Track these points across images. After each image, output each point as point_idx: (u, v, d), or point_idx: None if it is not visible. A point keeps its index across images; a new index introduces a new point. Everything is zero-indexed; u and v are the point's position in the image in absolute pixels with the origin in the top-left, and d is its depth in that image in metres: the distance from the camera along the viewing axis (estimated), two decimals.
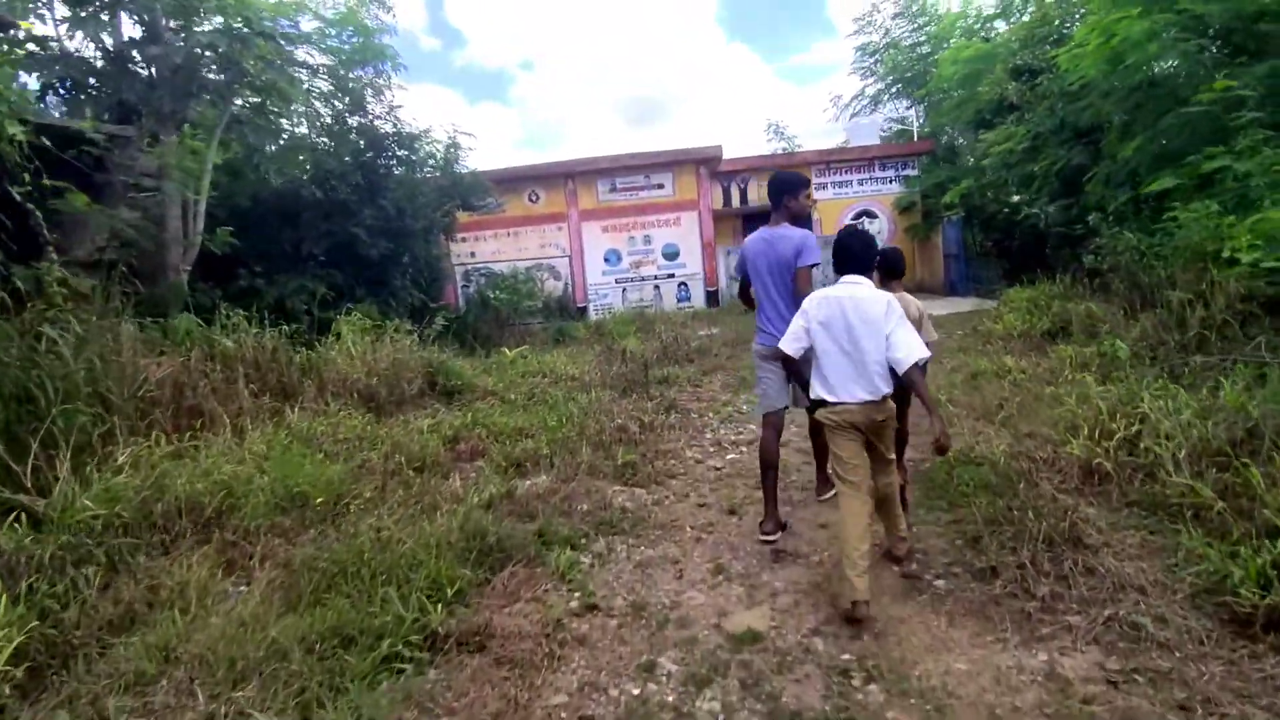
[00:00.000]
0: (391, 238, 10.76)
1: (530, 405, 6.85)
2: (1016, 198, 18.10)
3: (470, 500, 3.71)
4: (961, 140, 16.18)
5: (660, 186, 15.64)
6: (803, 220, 3.91)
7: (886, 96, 22.98)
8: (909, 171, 16.92)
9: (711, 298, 15.62)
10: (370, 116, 10.78)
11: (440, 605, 2.70)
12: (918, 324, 3.49)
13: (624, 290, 15.87)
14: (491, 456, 4.91)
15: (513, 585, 2.99)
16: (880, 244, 3.50)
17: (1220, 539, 3.15)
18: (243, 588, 2.94)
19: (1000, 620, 2.76)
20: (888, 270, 3.85)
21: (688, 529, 3.79)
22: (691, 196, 15.55)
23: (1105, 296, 8.02)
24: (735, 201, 17.27)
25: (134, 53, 5.45)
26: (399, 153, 11.25)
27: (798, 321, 3.07)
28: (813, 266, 3.60)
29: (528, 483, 4.36)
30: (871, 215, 17.07)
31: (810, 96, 56.87)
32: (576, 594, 3.01)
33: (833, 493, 3.63)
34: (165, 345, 4.77)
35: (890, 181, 16.99)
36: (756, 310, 3.81)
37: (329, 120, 10.99)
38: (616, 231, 15.75)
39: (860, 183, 16.97)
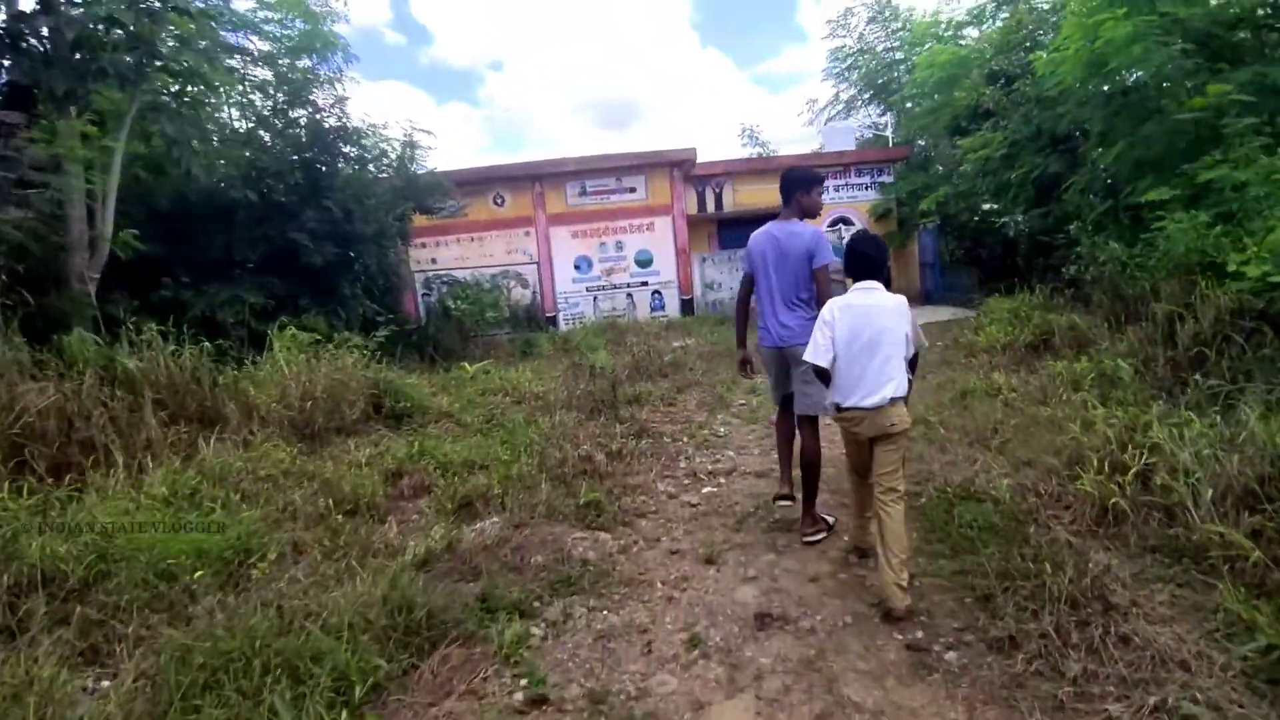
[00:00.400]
0: (339, 242, 10.11)
1: (488, 430, 6.31)
2: (987, 206, 18.09)
3: (404, 557, 3.17)
4: (936, 147, 15.99)
5: (632, 190, 15.18)
6: (811, 218, 3.77)
7: (860, 103, 22.89)
8: (884, 178, 16.70)
9: (686, 306, 15.19)
10: (315, 110, 10.12)
11: (346, 711, 2.16)
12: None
13: (595, 299, 15.36)
14: (437, 495, 4.36)
15: (444, 673, 2.46)
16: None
17: (1261, 595, 2.77)
18: (104, 683, 2.37)
19: (1029, 710, 2.31)
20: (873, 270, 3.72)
21: (658, 585, 3.29)
22: (665, 201, 15.12)
23: (1087, 308, 7.75)
24: (710, 206, 16.88)
25: (23, 27, 4.79)
26: (346, 150, 10.59)
27: (822, 332, 3.05)
28: (829, 265, 3.51)
29: (475, 528, 3.82)
30: (848, 223, 16.80)
31: (784, 103, 57.01)
32: (523, 681, 2.49)
33: (820, 535, 3.56)
34: (58, 367, 4.12)
35: (866, 188, 16.75)
36: (759, 310, 3.72)
37: (266, 113, 10.31)
38: (587, 237, 15.24)
39: (836, 189, 16.68)
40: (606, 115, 63.50)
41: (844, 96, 23.00)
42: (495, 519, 3.96)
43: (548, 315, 15.37)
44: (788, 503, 3.82)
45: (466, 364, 10.27)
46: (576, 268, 15.37)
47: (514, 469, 4.69)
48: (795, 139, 43.63)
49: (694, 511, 4.26)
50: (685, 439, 5.80)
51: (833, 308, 3.04)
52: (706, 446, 5.55)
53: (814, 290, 3.55)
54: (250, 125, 10.75)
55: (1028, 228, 11.74)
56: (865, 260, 3.09)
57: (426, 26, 69.25)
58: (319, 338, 9.39)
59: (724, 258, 15.18)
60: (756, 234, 3.79)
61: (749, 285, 3.89)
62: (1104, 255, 7.02)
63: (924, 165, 16.61)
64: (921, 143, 17.16)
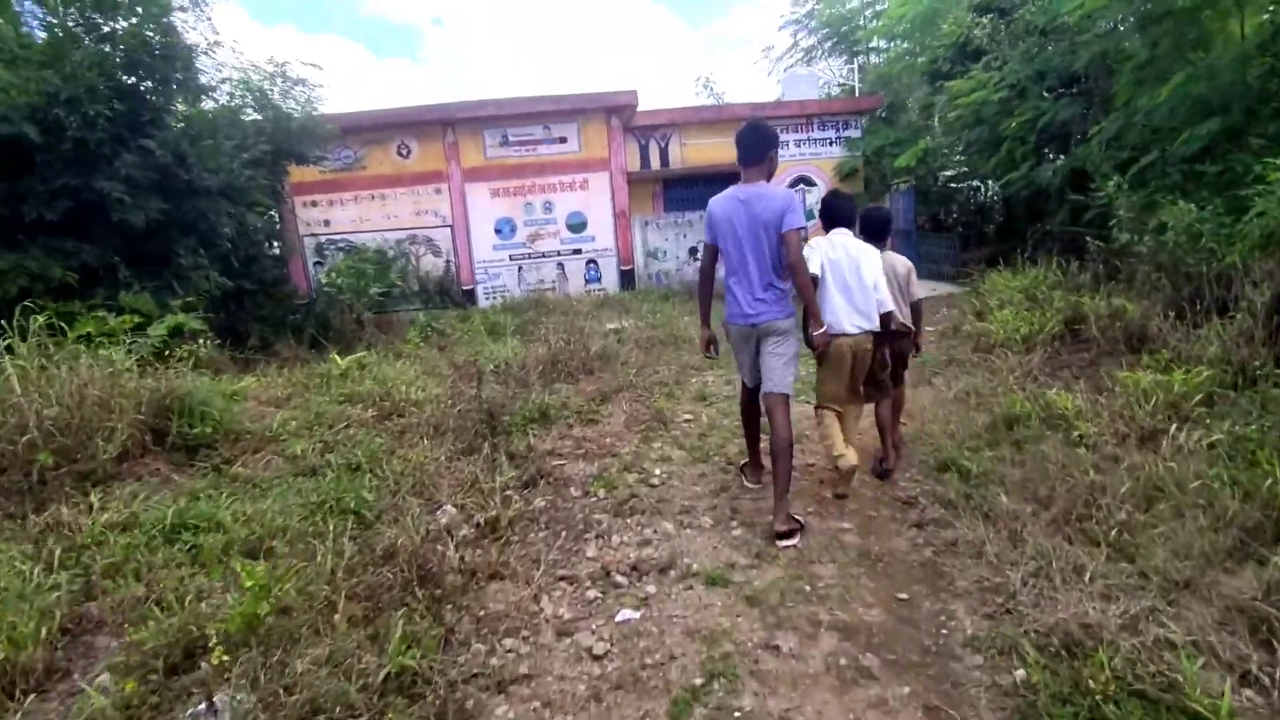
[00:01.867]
0: (170, 197, 7.70)
1: (317, 470, 4.24)
2: (950, 171, 16.53)
3: None
4: (912, 96, 14.15)
5: (562, 140, 12.91)
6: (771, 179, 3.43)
7: (821, 53, 20.91)
8: (851, 132, 14.82)
9: (626, 279, 13.14)
10: (131, 18, 7.56)
11: None
12: (906, 281, 3.82)
13: (520, 269, 13.15)
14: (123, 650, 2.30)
15: None
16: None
17: None
18: None
19: None
20: (871, 232, 3.86)
21: None
22: (601, 154, 12.92)
23: (1129, 289, 6.07)
24: (655, 162, 14.73)
25: None
26: (177, 76, 8.06)
27: (813, 253, 3.44)
28: (800, 230, 3.19)
29: None
30: (809, 183, 14.92)
31: (736, 61, 54.50)
32: None
33: (795, 540, 3.12)
34: None
35: (830, 144, 14.85)
36: (726, 282, 3.38)
37: (74, 25, 7.69)
38: (509, 196, 12.96)
39: (797, 144, 14.75)
40: (553, 74, 59.93)
41: (803, 45, 20.98)
42: None
43: (464, 288, 13.10)
44: (756, 486, 3.67)
45: (338, 356, 8.08)
46: (498, 232, 13.09)
47: (283, 585, 2.63)
48: (751, 95, 41.52)
49: (595, 681, 2.32)
50: (601, 491, 3.83)
51: (815, 244, 3.50)
52: (631, 510, 3.57)
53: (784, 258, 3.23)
54: (51, 38, 8.08)
55: (1011, 192, 10.17)
56: (839, 213, 3.71)
57: None
58: (142, 320, 7.18)
59: (669, 222, 13.14)
60: (720, 199, 3.43)
61: (713, 256, 3.48)
62: (1177, 218, 5.23)
63: (893, 119, 14.82)
64: (892, 93, 15.30)
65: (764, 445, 3.76)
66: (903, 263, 3.86)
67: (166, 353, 6.93)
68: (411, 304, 12.97)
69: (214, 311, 8.43)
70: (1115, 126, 6.98)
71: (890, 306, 3.54)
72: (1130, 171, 6.52)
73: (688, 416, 5.37)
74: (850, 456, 3.39)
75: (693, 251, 13.17)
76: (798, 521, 3.22)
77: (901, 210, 13.11)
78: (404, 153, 12.90)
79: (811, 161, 14.90)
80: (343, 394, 6.15)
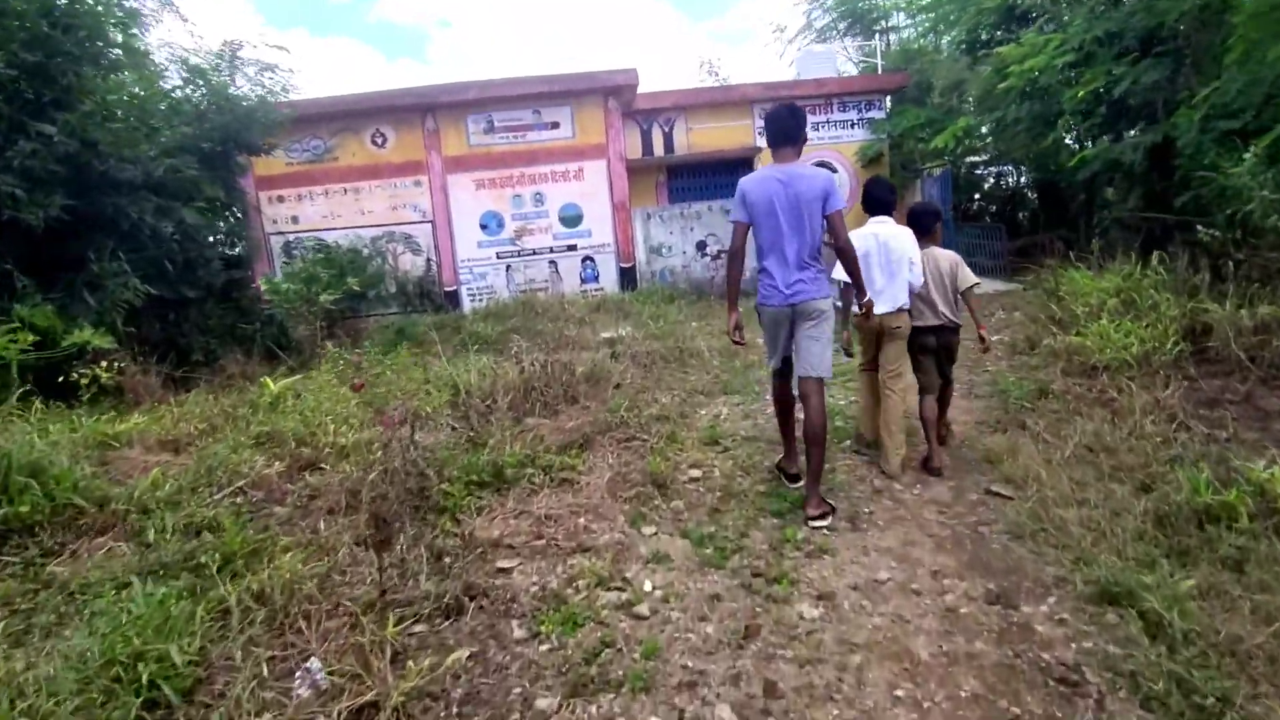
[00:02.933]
0: (80, 192, 6.48)
1: (169, 571, 2.97)
2: (975, 159, 15.03)
3: None
4: (942, 75, 12.66)
5: (554, 126, 11.54)
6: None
7: (837, 33, 19.37)
8: (874, 113, 13.37)
9: (627, 277, 11.78)
10: None
11: None
12: (953, 276, 3.83)
13: (509, 268, 11.81)
14: None
15: None
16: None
17: None
18: None
19: None
20: (919, 227, 3.91)
21: None
22: (598, 140, 11.54)
23: (1272, 293, 4.67)
24: (658, 148, 13.36)
25: None
26: (92, 45, 6.80)
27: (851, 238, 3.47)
28: (842, 211, 3.23)
29: None
30: (829, 168, 13.49)
31: (741, 58, 52.77)
32: None
33: (827, 521, 3.14)
34: None
35: (852, 126, 13.41)
36: (762, 263, 3.30)
37: None
38: (496, 187, 11.61)
39: (814, 127, 13.29)
40: (556, 70, 58.44)
41: (818, 24, 19.46)
42: None
43: (447, 290, 11.78)
44: (799, 485, 3.46)
45: (280, 376, 6.84)
46: (484, 227, 11.76)
47: None
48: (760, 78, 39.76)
49: None
50: (556, 633, 2.46)
51: (855, 235, 3.55)
52: (598, 682, 2.19)
53: (821, 241, 3.24)
54: None
55: (1073, 175, 8.74)
56: (878, 200, 3.89)
57: None
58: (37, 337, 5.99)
59: (674, 214, 11.75)
60: (755, 179, 3.27)
61: (743, 237, 3.29)
62: None
63: (922, 98, 13.33)
64: (920, 69, 13.80)
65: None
66: (947, 257, 3.87)
67: (61, 379, 5.74)
68: (389, 307, 11.70)
69: (147, 324, 7.20)
70: (1233, 88, 5.53)
71: (920, 282, 3.72)
72: (1264, 141, 5.08)
73: (694, 473, 4.02)
74: (894, 464, 3.70)
75: (701, 246, 11.79)
76: (830, 505, 3.24)
77: (935, 198, 11.66)
78: (379, 142, 11.58)
79: (831, 146, 13.46)
80: (260, 433, 4.86)
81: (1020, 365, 5.49)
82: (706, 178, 13.47)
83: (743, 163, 13.27)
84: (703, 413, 5.50)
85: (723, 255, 11.78)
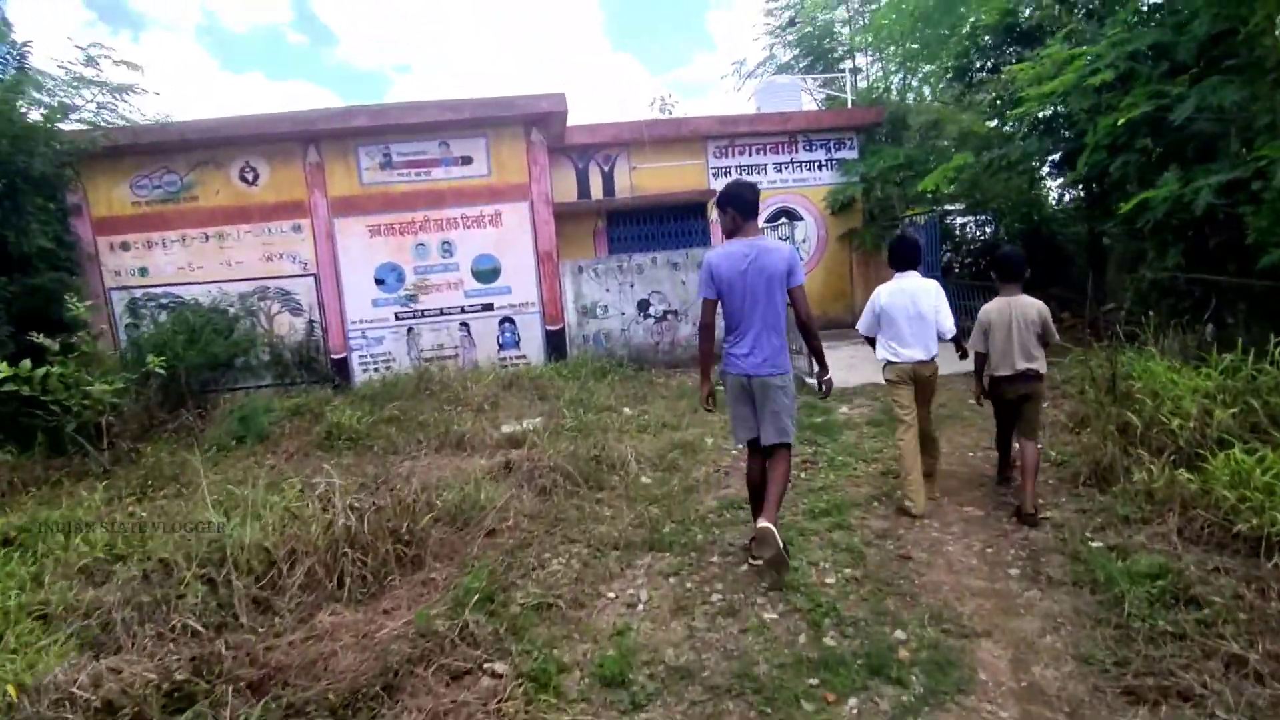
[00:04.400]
0: None
1: None
2: (952, 207, 13.51)
3: None
4: (916, 113, 11.11)
5: (466, 161, 9.59)
6: None
7: (798, 69, 18.07)
8: (845, 153, 11.76)
9: (554, 343, 9.72)
10: None
11: None
12: (1041, 327, 3.84)
13: (410, 331, 9.66)
14: None
15: None
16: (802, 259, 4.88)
17: None
18: None
19: None
20: (900, 260, 4.18)
21: None
22: (518, 179, 9.61)
23: None
24: (596, 190, 11.49)
25: None
26: None
27: (875, 297, 4.14)
28: (803, 286, 3.35)
29: None
30: (794, 216, 11.77)
31: (699, 105, 52.37)
32: None
33: (774, 550, 3.13)
34: None
35: (820, 167, 11.76)
36: (729, 335, 3.41)
37: None
38: (395, 234, 9.54)
39: (777, 168, 11.64)
40: None
41: (781, 58, 18.17)
42: None
43: (334, 357, 9.56)
44: (777, 545, 3.19)
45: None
46: (380, 282, 9.63)
47: None
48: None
49: None
50: None
51: (882, 290, 4.11)
52: None
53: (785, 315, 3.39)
54: None
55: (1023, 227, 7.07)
56: (904, 256, 4.15)
57: (330, 27, 62.87)
58: None
59: (611, 268, 9.79)
60: (721, 254, 3.36)
61: (713, 313, 3.42)
62: None
63: (897, 137, 11.80)
64: (893, 101, 12.31)
65: None
66: (1035, 307, 3.86)
67: None
68: (261, 378, 9.41)
69: None
70: None
71: (951, 332, 4.11)
72: None
73: None
74: (919, 504, 3.92)
75: (643, 306, 9.82)
76: (781, 549, 3.17)
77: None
78: (249, 178, 9.45)
79: (796, 190, 11.76)
80: None
81: (1097, 513, 3.54)
82: (653, 225, 11.62)
83: (694, 208, 11.48)
84: (612, 596, 3.40)
85: (669, 317, 9.84)
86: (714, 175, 11.51)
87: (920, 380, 4.08)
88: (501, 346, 9.81)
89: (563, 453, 5.24)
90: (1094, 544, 3.21)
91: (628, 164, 11.48)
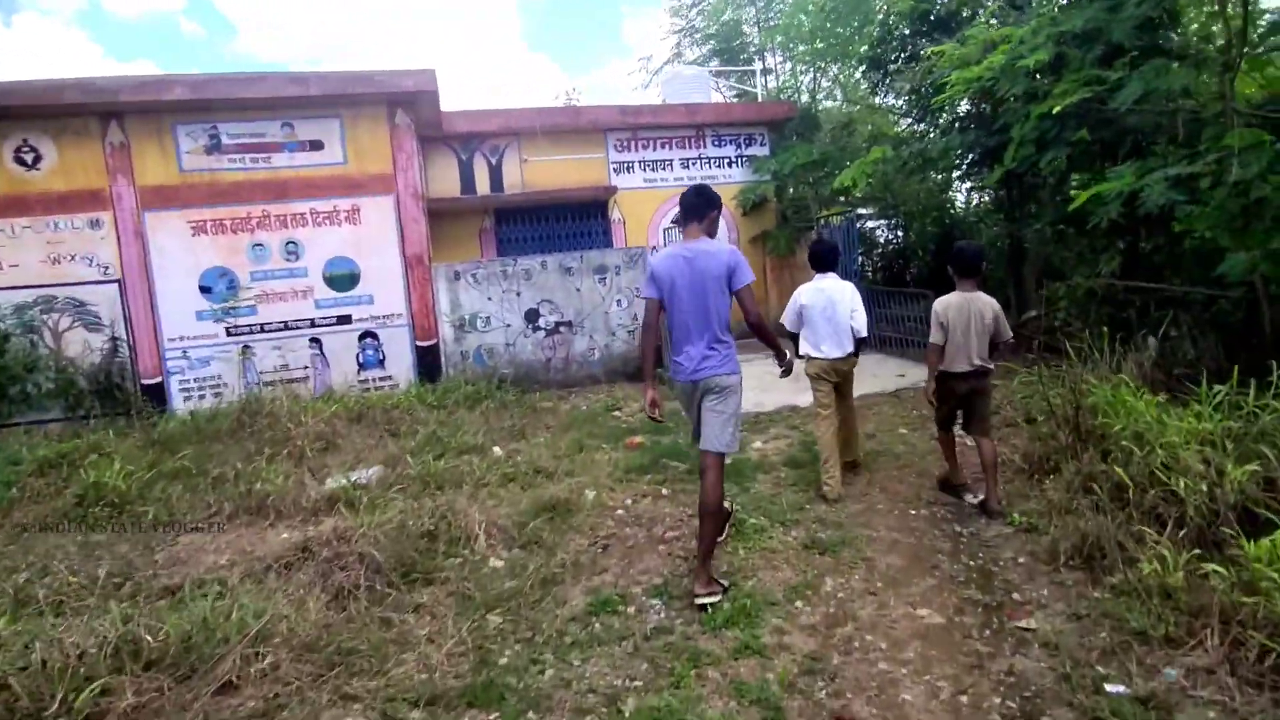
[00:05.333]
0: None
1: None
2: (864, 212, 12.94)
3: None
4: (834, 98, 10.37)
5: (315, 146, 8.03)
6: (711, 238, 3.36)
7: (709, 66, 17.21)
8: (756, 150, 10.86)
9: (426, 361, 8.27)
10: None
11: None
12: (994, 323, 3.85)
13: (246, 350, 7.97)
14: None
15: None
16: None
17: None
18: None
19: None
20: (819, 263, 4.47)
21: None
22: (380, 168, 8.12)
23: None
24: (482, 185, 10.10)
25: None
26: None
27: (794, 299, 4.42)
28: (751, 284, 3.22)
29: None
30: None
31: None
32: None
33: (715, 597, 3.09)
34: None
35: (729, 164, 10.82)
36: (673, 340, 3.34)
37: None
38: (225, 233, 7.85)
39: (684, 164, 10.61)
40: None
41: (689, 57, 17.26)
42: None
43: (146, 382, 7.75)
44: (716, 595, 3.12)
45: None
46: (206, 291, 7.89)
47: None
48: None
49: None
50: None
51: (802, 289, 4.39)
52: None
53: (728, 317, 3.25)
54: None
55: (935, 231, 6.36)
56: (823, 259, 4.43)
57: (227, 17, 57.92)
58: None
59: (493, 274, 8.43)
60: (663, 257, 3.35)
61: (655, 312, 3.38)
62: None
63: (808, 135, 11.02)
64: (805, 96, 11.53)
65: None
66: (991, 306, 3.87)
67: None
68: (47, 410, 7.49)
69: None
70: None
71: (863, 333, 4.37)
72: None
73: None
74: (835, 489, 4.21)
75: (532, 317, 8.52)
76: (721, 585, 3.20)
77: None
78: (28, 159, 7.53)
79: None
80: None
81: (1099, 621, 2.53)
82: (549, 225, 10.34)
83: (595, 207, 10.28)
84: None
85: (561, 330, 8.58)
86: (615, 170, 10.35)
87: (840, 376, 4.40)
88: (362, 366, 8.26)
89: (387, 524, 3.89)
90: (1113, 689, 2.18)
91: (518, 156, 10.15)
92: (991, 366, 3.87)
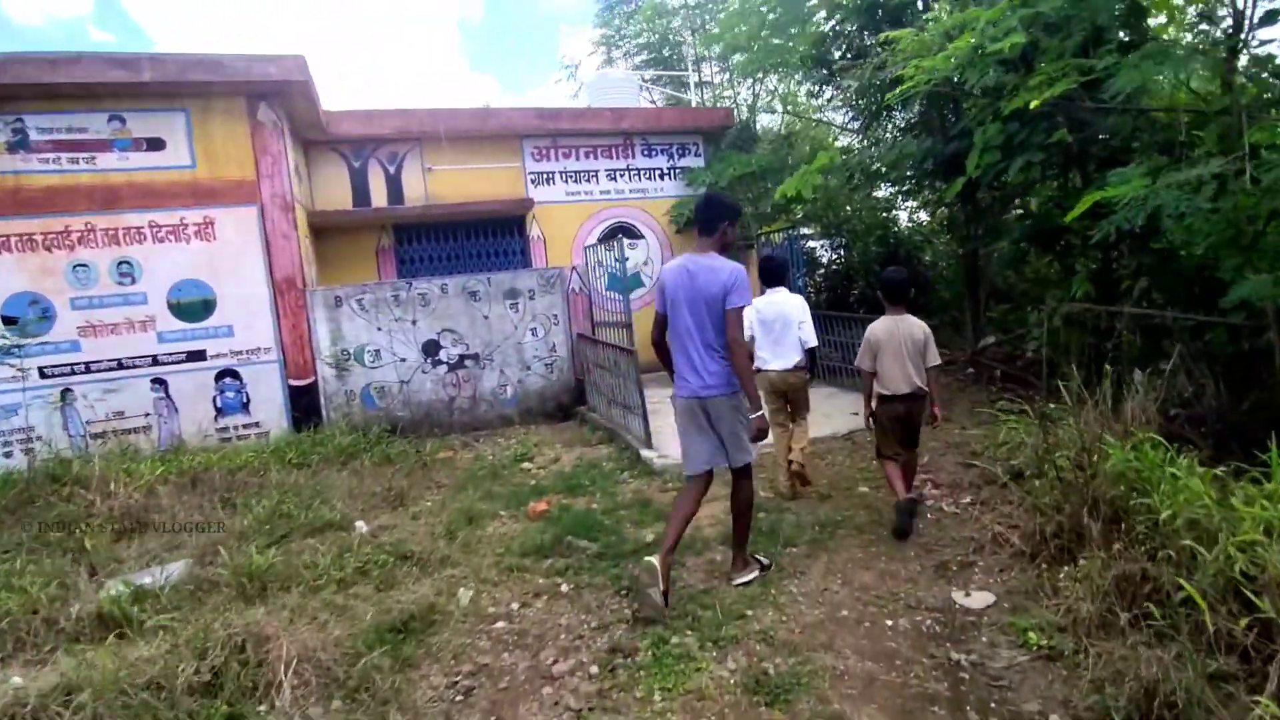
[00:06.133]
0: None
1: None
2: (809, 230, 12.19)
3: None
4: (774, 110, 9.59)
5: (155, 145, 6.64)
6: (728, 251, 3.26)
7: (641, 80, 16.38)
8: (690, 160, 9.95)
9: (302, 403, 6.90)
10: None
11: None
12: (924, 348, 3.83)
13: (67, 395, 6.45)
14: None
15: None
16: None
17: None
18: None
19: None
20: (768, 277, 4.55)
21: None
22: (240, 174, 6.78)
23: None
24: (379, 197, 8.82)
25: None
26: None
27: (746, 316, 3.86)
28: (742, 309, 3.11)
29: None
30: (632, 234, 9.75)
31: None
32: None
33: (752, 575, 3.35)
34: None
35: (661, 175, 9.87)
36: (673, 355, 3.29)
37: None
38: (33, 250, 6.36)
39: (611, 176, 9.60)
40: None
41: (622, 65, 16.37)
42: None
43: None
44: (655, 602, 3.05)
45: None
46: (9, 322, 6.34)
47: None
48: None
49: None
50: None
51: (756, 302, 4.31)
52: None
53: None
54: None
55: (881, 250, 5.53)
56: (773, 275, 4.51)
57: (142, 26, 54.81)
58: None
59: (383, 300, 7.15)
60: (671, 268, 3.24)
61: (661, 330, 3.33)
62: None
63: (744, 145, 10.19)
64: (740, 103, 10.72)
65: None
66: (920, 328, 3.86)
67: None
68: None
69: None
70: None
71: (813, 343, 4.44)
72: None
73: None
74: (782, 485, 4.46)
75: (431, 349, 7.27)
76: (759, 562, 3.42)
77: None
78: None
79: (635, 202, 9.77)
80: None
81: None
82: (459, 243, 9.14)
83: (510, 222, 9.15)
84: None
85: (467, 364, 7.37)
86: (533, 181, 9.23)
87: (788, 388, 4.41)
88: (220, 412, 6.82)
89: (148, 664, 2.63)
90: None
91: (421, 165, 8.92)
92: (926, 388, 3.84)
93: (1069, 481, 3.21)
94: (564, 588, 3.52)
